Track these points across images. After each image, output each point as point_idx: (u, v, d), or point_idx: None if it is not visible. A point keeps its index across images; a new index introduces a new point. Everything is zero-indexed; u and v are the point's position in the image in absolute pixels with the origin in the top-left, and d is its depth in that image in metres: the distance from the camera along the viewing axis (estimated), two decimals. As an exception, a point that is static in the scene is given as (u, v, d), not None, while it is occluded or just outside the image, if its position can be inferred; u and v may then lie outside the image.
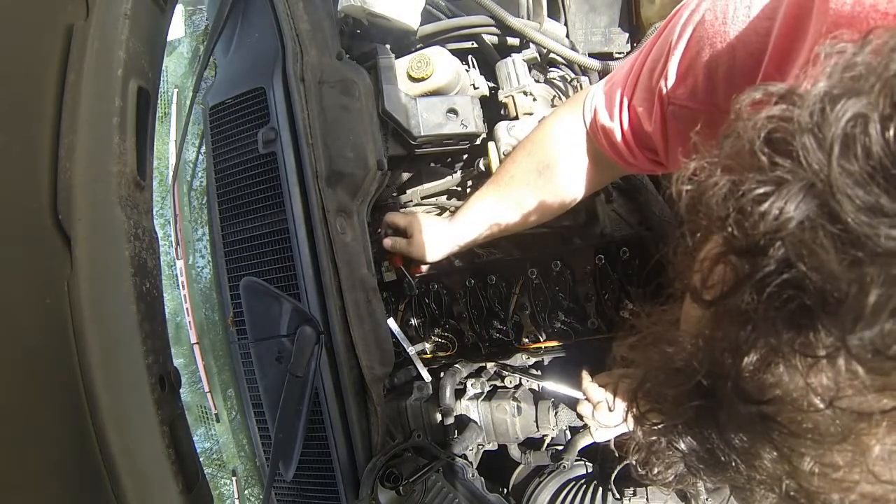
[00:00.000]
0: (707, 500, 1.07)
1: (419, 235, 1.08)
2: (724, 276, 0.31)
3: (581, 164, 0.83)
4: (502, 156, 1.13)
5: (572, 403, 1.08)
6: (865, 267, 0.24)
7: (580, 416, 1.02)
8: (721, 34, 0.52)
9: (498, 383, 1.16)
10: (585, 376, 1.01)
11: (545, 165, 0.86)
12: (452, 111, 1.14)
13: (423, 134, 1.13)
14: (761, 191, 0.28)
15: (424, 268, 1.22)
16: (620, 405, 0.97)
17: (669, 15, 0.63)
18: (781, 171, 0.28)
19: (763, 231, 0.27)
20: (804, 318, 0.27)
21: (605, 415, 0.97)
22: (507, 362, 1.16)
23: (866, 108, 0.25)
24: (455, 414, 1.10)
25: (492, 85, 1.27)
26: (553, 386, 1.09)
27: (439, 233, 1.07)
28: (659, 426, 0.37)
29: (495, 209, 0.97)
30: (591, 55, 1.27)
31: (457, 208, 1.29)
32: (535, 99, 1.18)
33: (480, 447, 1.15)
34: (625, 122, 0.71)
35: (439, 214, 1.32)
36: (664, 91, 0.61)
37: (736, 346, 0.29)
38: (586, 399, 1.00)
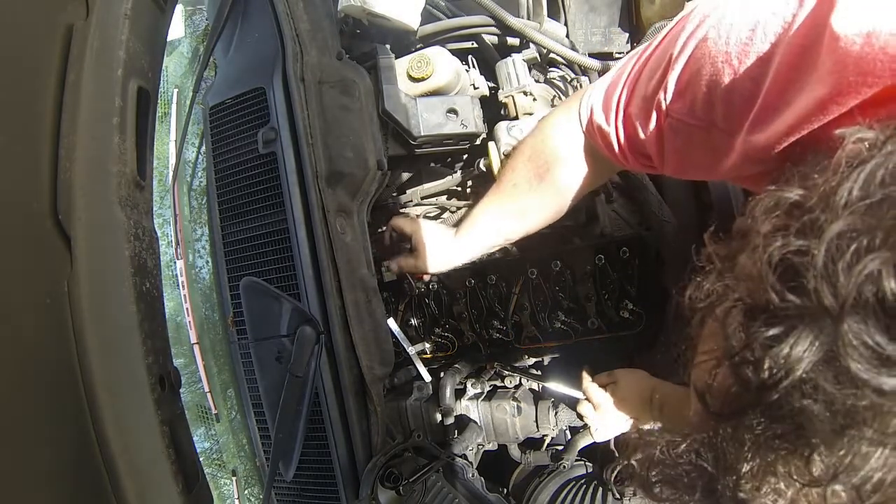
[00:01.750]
0: (707, 500, 1.07)
1: (424, 250, 1.07)
2: (729, 390, 0.33)
3: (580, 163, 0.83)
4: (502, 156, 1.13)
5: (572, 403, 1.08)
6: (862, 409, 0.26)
7: (580, 416, 1.02)
8: (723, 55, 0.52)
9: (498, 383, 1.16)
10: (586, 376, 1.01)
11: (545, 169, 0.86)
12: (452, 111, 1.14)
13: (423, 134, 1.13)
14: (772, 333, 0.29)
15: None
16: (620, 405, 0.97)
17: (671, 24, 0.62)
18: (792, 310, 0.29)
19: (771, 371, 0.29)
20: (801, 444, 0.29)
21: (606, 415, 0.97)
22: (508, 362, 1.16)
23: (883, 264, 0.26)
24: (455, 414, 1.10)
25: (492, 85, 1.27)
26: (553, 386, 1.09)
27: (445, 247, 1.06)
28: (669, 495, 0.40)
29: (500, 220, 0.96)
30: (591, 55, 1.27)
31: (458, 209, 1.29)
32: (535, 99, 1.18)
33: (480, 447, 1.15)
34: (620, 128, 0.70)
35: (440, 214, 1.32)
36: (663, 104, 0.60)
37: (736, 456, 0.32)
38: (586, 399, 1.00)
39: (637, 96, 0.66)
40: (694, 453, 0.36)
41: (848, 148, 0.32)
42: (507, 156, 1.11)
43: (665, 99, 0.60)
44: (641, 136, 0.66)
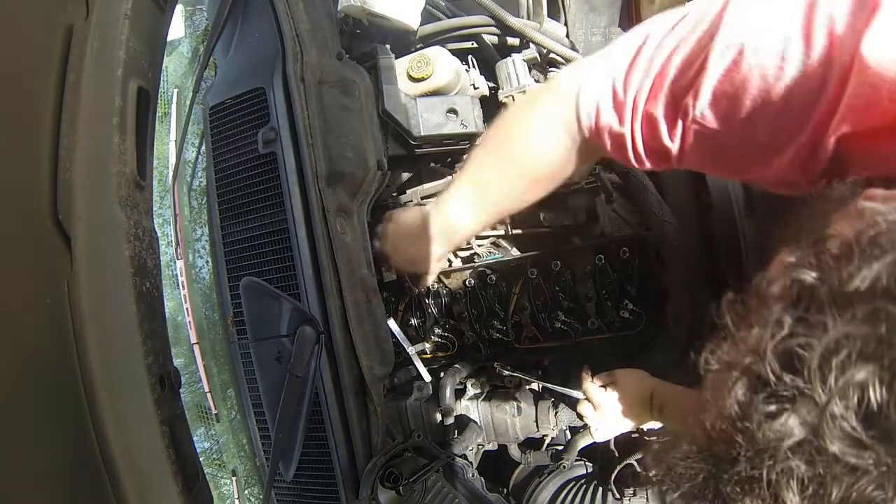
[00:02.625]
0: (707, 500, 1.07)
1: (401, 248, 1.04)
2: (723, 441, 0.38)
3: (568, 159, 0.78)
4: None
5: (572, 403, 1.08)
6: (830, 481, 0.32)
7: (580, 416, 1.02)
8: (776, 72, 0.51)
9: (498, 383, 1.16)
10: (585, 376, 1.01)
11: (524, 172, 0.81)
12: (452, 111, 1.14)
13: (423, 134, 1.13)
14: (768, 410, 0.35)
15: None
16: (620, 405, 0.97)
17: (698, 21, 0.58)
18: (788, 388, 0.34)
19: (766, 439, 0.34)
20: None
21: (606, 415, 0.97)
22: (508, 362, 1.16)
23: (871, 375, 0.31)
24: (455, 414, 1.10)
25: (492, 85, 1.27)
26: (553, 385, 1.09)
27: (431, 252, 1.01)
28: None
29: (477, 216, 0.91)
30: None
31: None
32: (535, 99, 1.18)
33: (480, 447, 1.15)
34: (637, 130, 0.65)
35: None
36: (690, 109, 0.58)
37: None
38: (586, 399, 1.00)
39: (664, 100, 0.61)
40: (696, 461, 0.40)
41: (868, 233, 0.36)
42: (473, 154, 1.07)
43: (695, 104, 0.57)
44: (665, 140, 0.62)
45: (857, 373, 0.31)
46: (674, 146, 0.62)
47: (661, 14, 0.65)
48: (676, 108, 0.60)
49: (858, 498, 0.31)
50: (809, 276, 0.37)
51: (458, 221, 0.93)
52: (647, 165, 0.69)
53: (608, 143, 0.70)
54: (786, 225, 0.44)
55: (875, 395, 0.31)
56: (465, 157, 1.30)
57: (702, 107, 0.57)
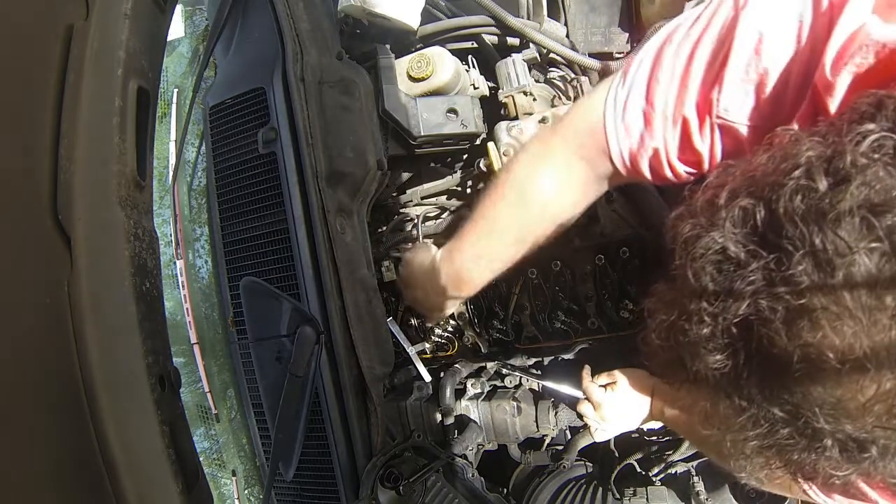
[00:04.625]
0: (707, 499, 1.07)
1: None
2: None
3: (587, 194, 0.78)
4: (503, 156, 1.12)
5: (572, 403, 1.08)
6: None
7: (580, 416, 1.02)
8: (798, 48, 0.53)
9: (498, 383, 1.16)
10: (585, 376, 1.01)
11: (543, 216, 0.81)
12: (452, 111, 1.14)
13: (423, 134, 1.13)
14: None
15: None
16: (620, 405, 0.97)
17: (708, 16, 0.59)
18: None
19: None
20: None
21: (606, 414, 0.97)
22: (508, 362, 1.16)
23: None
24: (455, 414, 1.09)
25: (492, 85, 1.27)
26: (553, 385, 1.09)
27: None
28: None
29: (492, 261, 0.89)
30: (591, 55, 1.27)
31: (458, 209, 1.28)
32: (535, 99, 1.18)
33: (480, 447, 1.15)
34: (670, 140, 0.64)
35: (439, 214, 1.32)
36: (715, 103, 0.58)
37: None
38: (587, 399, 1.00)
39: (691, 95, 0.61)
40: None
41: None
42: (499, 168, 1.04)
43: (719, 99, 0.58)
44: (695, 138, 0.62)
45: (742, 201, 0.43)
46: (704, 146, 0.62)
47: (675, 19, 0.65)
48: (706, 103, 0.60)
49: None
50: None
51: (470, 274, 0.91)
52: (684, 175, 0.67)
53: (647, 171, 0.69)
54: None
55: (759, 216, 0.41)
56: (465, 157, 1.31)
57: (725, 98, 0.58)
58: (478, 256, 0.88)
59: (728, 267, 0.42)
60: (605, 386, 0.99)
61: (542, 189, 0.78)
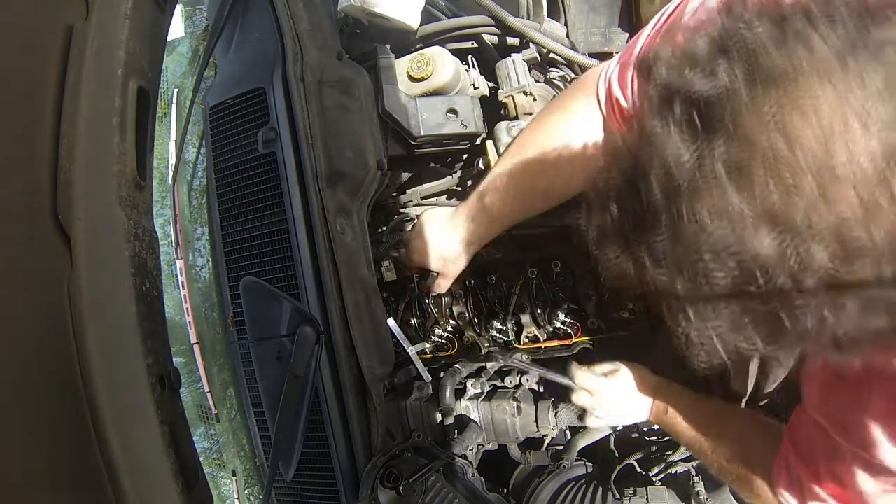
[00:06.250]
0: (707, 499, 1.07)
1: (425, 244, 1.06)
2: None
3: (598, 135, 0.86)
4: (502, 156, 1.12)
5: (568, 392, 1.06)
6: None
7: (575, 403, 1.02)
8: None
9: (498, 383, 1.16)
10: (577, 367, 1.01)
11: (564, 153, 0.88)
12: (452, 111, 1.14)
13: (423, 134, 1.13)
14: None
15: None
16: (620, 393, 0.97)
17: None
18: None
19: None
20: None
21: (604, 400, 0.97)
22: (507, 361, 1.16)
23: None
24: (455, 414, 1.09)
25: (492, 85, 1.27)
26: (550, 374, 1.06)
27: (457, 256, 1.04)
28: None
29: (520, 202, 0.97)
30: (591, 55, 1.27)
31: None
32: (535, 99, 1.18)
33: (480, 447, 1.15)
34: (614, 84, 0.77)
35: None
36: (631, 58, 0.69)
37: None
38: (582, 389, 1.00)
39: (637, 48, 0.75)
40: None
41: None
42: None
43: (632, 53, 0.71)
44: (615, 86, 0.76)
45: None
46: (624, 98, 0.76)
47: None
48: (629, 57, 0.74)
49: None
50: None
51: (500, 208, 0.96)
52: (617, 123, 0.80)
53: (615, 114, 0.80)
54: None
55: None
56: (465, 157, 1.31)
57: (636, 53, 0.72)
58: (506, 189, 0.95)
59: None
60: (607, 374, 0.99)
61: (562, 119, 0.90)
